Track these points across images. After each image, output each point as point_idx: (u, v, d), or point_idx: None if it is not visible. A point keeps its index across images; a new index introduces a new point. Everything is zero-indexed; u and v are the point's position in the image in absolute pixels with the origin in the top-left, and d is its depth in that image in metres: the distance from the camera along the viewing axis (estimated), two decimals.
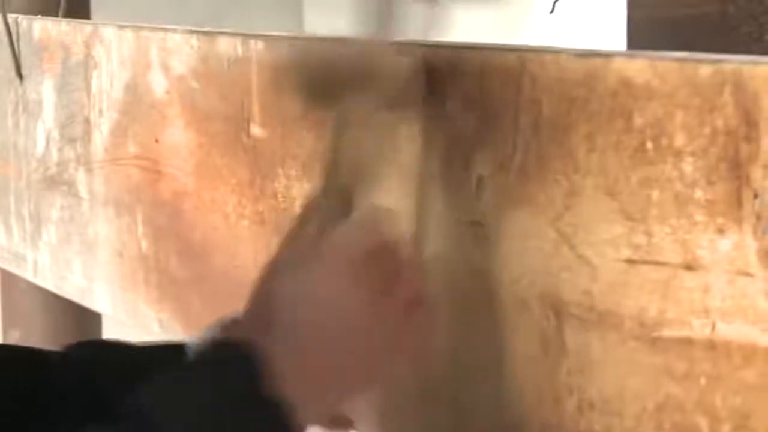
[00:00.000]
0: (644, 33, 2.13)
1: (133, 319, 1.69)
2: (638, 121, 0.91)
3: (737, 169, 0.84)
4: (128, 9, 3.42)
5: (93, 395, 1.04)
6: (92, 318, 2.86)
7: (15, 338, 2.90)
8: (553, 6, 2.25)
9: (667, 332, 0.90)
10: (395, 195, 1.14)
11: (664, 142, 0.89)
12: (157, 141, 1.58)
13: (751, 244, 0.84)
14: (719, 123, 0.86)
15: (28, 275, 2.02)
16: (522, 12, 4.75)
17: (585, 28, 4.17)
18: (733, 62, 0.85)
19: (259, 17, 4.98)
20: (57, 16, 2.07)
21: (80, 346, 1.12)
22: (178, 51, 1.53)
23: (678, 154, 0.88)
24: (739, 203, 0.84)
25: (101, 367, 1.06)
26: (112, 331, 2.72)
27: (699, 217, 0.87)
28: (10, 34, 1.97)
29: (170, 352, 1.08)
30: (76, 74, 1.79)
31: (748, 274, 0.84)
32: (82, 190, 1.80)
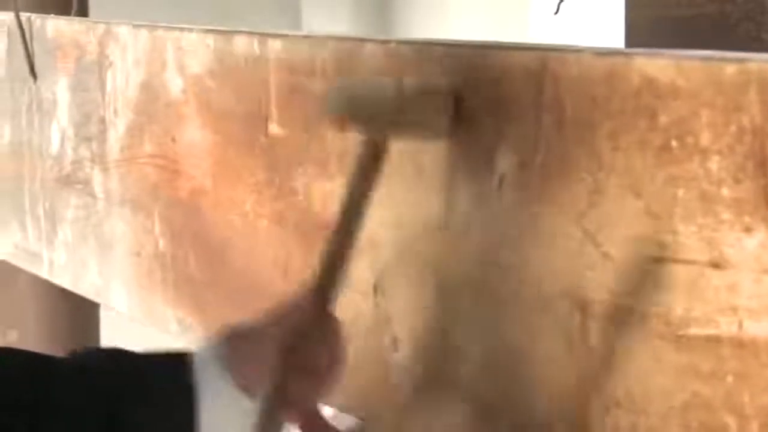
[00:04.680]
0: (642, 33, 2.13)
1: (150, 318, 1.70)
2: (663, 119, 0.91)
3: (764, 168, 0.85)
4: (125, 9, 3.42)
5: (99, 402, 1.04)
6: (90, 318, 2.86)
7: (13, 339, 2.89)
8: (558, 7, 2.26)
9: (693, 330, 0.90)
10: (419, 194, 1.14)
11: (690, 140, 0.89)
12: (173, 140, 1.59)
13: None
14: (745, 121, 0.86)
15: (44, 274, 2.03)
16: (520, 12, 4.75)
17: (582, 28, 4.17)
18: (759, 61, 0.85)
19: (256, 17, 4.98)
20: (55, 14, 2.07)
21: (83, 352, 1.12)
22: (194, 50, 1.53)
23: (704, 152, 0.88)
24: (767, 202, 0.84)
25: (107, 373, 1.07)
26: (110, 331, 2.73)
27: (725, 215, 0.87)
28: (23, 32, 1.97)
29: (173, 359, 1.08)
30: (90, 73, 1.79)
31: None
32: (98, 189, 1.80)
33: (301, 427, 1.09)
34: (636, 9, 2.17)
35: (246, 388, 1.05)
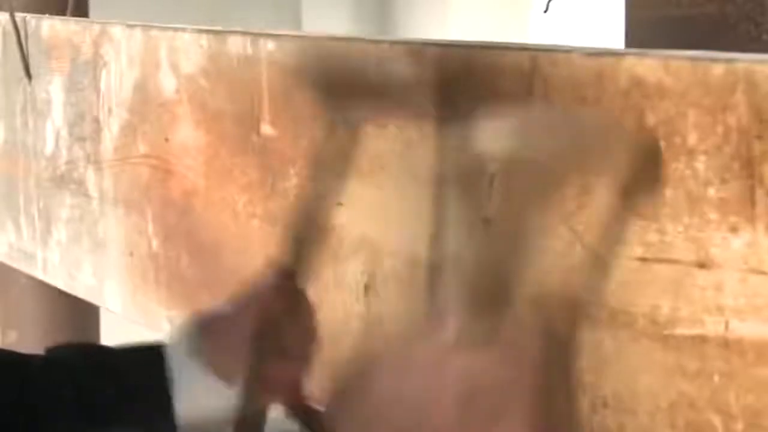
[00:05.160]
0: (642, 32, 2.13)
1: (142, 318, 1.70)
2: (650, 119, 0.92)
3: (750, 168, 0.85)
4: (126, 8, 3.42)
5: (76, 398, 1.04)
6: (90, 318, 2.87)
7: (12, 339, 2.90)
8: (547, 5, 2.26)
9: (680, 330, 0.90)
10: (410, 194, 1.14)
11: (677, 140, 0.89)
12: (166, 140, 1.59)
13: (764, 243, 0.84)
14: (732, 122, 0.86)
15: (38, 274, 2.03)
16: (519, 12, 4.77)
17: (582, 29, 4.18)
18: (746, 61, 0.85)
19: (256, 17, 4.99)
20: (54, 14, 2.07)
21: (60, 349, 1.12)
22: (187, 50, 1.53)
23: (691, 152, 0.88)
24: (752, 201, 0.84)
25: (83, 370, 1.07)
26: (110, 330, 2.73)
27: (712, 215, 0.87)
28: (18, 33, 1.98)
29: (148, 352, 1.08)
30: (84, 73, 1.80)
31: (761, 272, 0.84)
32: (92, 188, 1.80)
33: (286, 408, 1.09)
34: (636, 9, 2.17)
35: (223, 375, 1.05)
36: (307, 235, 1.09)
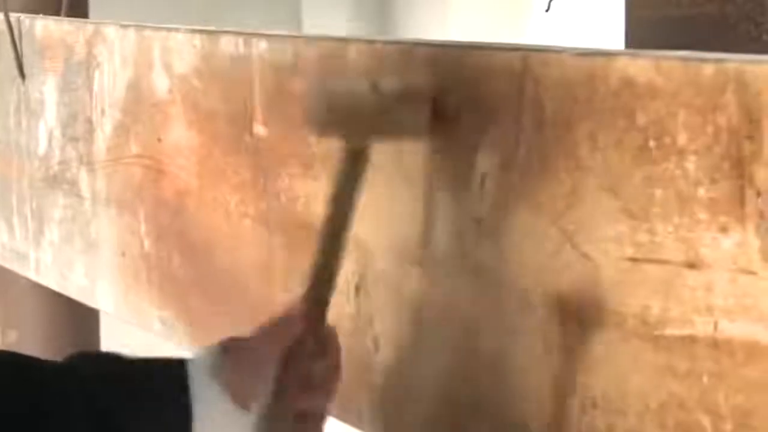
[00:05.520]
0: (642, 32, 2.13)
1: (135, 318, 1.69)
2: (641, 119, 0.91)
3: (740, 168, 0.85)
4: (126, 7, 3.41)
5: (92, 408, 1.04)
6: (90, 318, 2.86)
7: (12, 339, 2.89)
8: (549, 4, 2.27)
9: (669, 330, 0.90)
10: (402, 194, 1.14)
11: (667, 140, 0.89)
12: (159, 140, 1.59)
13: (754, 243, 0.84)
14: (722, 122, 0.86)
15: (30, 274, 2.03)
16: (520, 11, 4.76)
17: (584, 28, 4.18)
18: (736, 61, 0.85)
19: (256, 16, 4.98)
20: (53, 14, 2.07)
21: (78, 357, 1.11)
22: (180, 50, 1.53)
23: (681, 152, 0.88)
24: (742, 202, 0.84)
25: (100, 380, 1.06)
26: (109, 331, 2.72)
27: (702, 215, 0.87)
28: (12, 33, 1.97)
29: (167, 367, 1.08)
30: (78, 73, 1.79)
31: (750, 273, 0.84)
32: (84, 189, 1.80)
33: None
34: (636, 9, 2.17)
35: (243, 404, 1.04)
36: (332, 264, 1.09)
